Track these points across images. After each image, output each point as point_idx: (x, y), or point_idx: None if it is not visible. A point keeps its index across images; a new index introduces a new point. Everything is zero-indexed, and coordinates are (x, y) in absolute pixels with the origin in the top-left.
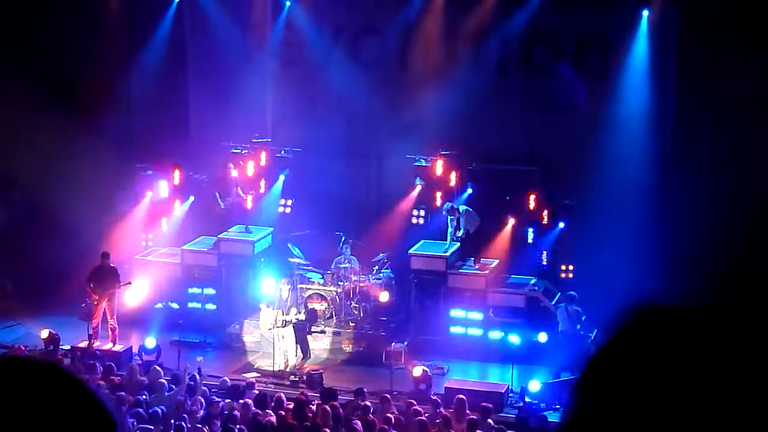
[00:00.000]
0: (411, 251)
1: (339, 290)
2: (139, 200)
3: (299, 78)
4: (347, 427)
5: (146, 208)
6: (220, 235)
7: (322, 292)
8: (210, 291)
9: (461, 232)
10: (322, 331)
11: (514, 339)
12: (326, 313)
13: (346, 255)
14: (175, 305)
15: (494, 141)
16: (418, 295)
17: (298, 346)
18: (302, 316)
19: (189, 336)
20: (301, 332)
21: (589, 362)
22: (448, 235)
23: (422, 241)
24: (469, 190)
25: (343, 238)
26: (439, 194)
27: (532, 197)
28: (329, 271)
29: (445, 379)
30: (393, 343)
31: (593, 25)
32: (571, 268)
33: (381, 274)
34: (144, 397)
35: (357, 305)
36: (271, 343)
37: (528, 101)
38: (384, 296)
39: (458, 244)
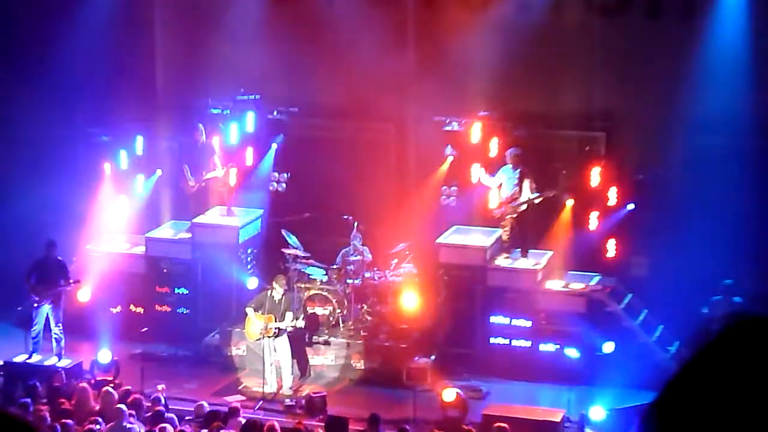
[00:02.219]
0: (440, 240)
1: (347, 290)
2: (93, 174)
3: (295, 18)
4: None
5: (101, 185)
6: (195, 220)
7: (326, 293)
8: (182, 291)
9: (527, 196)
10: (326, 343)
11: (572, 353)
12: (331, 319)
13: (356, 245)
14: (137, 309)
15: (546, 99)
16: (449, 297)
17: (295, 361)
18: (300, 324)
19: (155, 348)
20: (299, 344)
21: (668, 384)
22: (502, 190)
23: (454, 227)
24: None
25: (355, 224)
26: (475, 167)
27: (596, 171)
28: (335, 266)
29: (483, 404)
30: (416, 358)
31: None
32: (644, 261)
33: (401, 270)
34: (98, 427)
35: (370, 309)
36: (260, 357)
37: (591, 48)
38: (404, 298)
39: (528, 202)
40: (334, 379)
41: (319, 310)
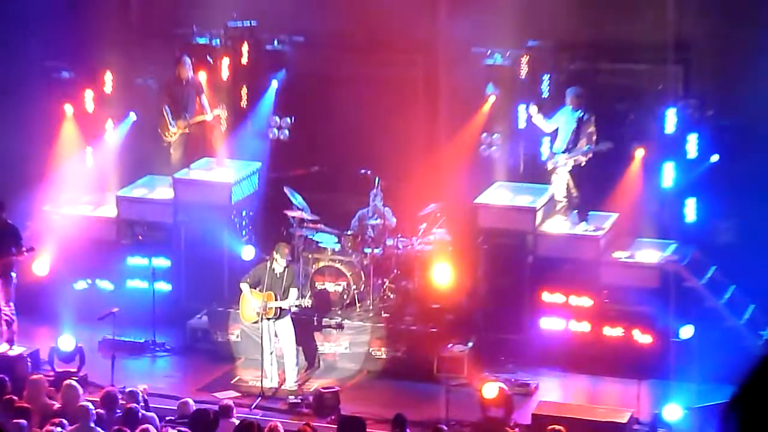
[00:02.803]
0: (479, 200)
1: (365, 262)
2: (51, 120)
3: None
4: None
5: (62, 132)
6: (176, 175)
7: (339, 265)
8: (162, 263)
9: (588, 145)
10: (339, 326)
11: (643, 338)
12: (345, 297)
13: (376, 206)
14: (106, 285)
15: (611, 25)
16: (490, 270)
17: (301, 349)
18: (307, 303)
19: (129, 333)
20: (306, 328)
21: (754, 376)
22: (558, 140)
23: (497, 184)
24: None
25: (375, 181)
26: (523, 109)
27: (671, 115)
28: (350, 232)
29: (532, 401)
30: (450, 345)
31: None
32: (730, 226)
33: (432, 237)
34: (59, 430)
35: (393, 285)
36: (258, 344)
37: None
38: (435, 271)
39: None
40: (349, 371)
41: (331, 286)
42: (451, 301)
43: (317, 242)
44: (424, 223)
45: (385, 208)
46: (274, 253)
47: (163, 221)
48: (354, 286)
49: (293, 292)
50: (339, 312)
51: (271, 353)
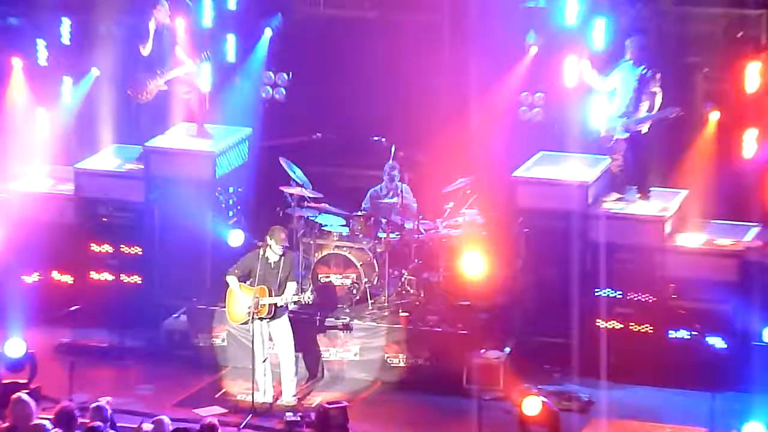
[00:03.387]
0: (518, 174)
1: (379, 249)
2: None
3: None
4: None
5: (8, 91)
6: (149, 143)
7: (347, 253)
8: (131, 250)
9: (652, 108)
10: (347, 328)
11: (717, 342)
12: (354, 292)
13: (392, 180)
14: (64, 278)
15: None
16: (531, 259)
17: (300, 355)
18: (308, 298)
19: (91, 336)
20: (307, 330)
21: None
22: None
23: (540, 154)
24: None
25: (391, 150)
26: (572, 63)
27: (753, 69)
28: (360, 212)
29: (584, 419)
30: (483, 351)
31: None
32: None
33: (460, 219)
34: None
35: (414, 278)
36: (248, 349)
37: None
38: (465, 261)
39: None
40: (360, 383)
41: (337, 279)
42: (484, 297)
43: (320, 225)
44: (451, 202)
45: (403, 184)
46: (268, 238)
47: (132, 200)
48: (365, 279)
49: (291, 286)
50: (347, 310)
51: (265, 361)
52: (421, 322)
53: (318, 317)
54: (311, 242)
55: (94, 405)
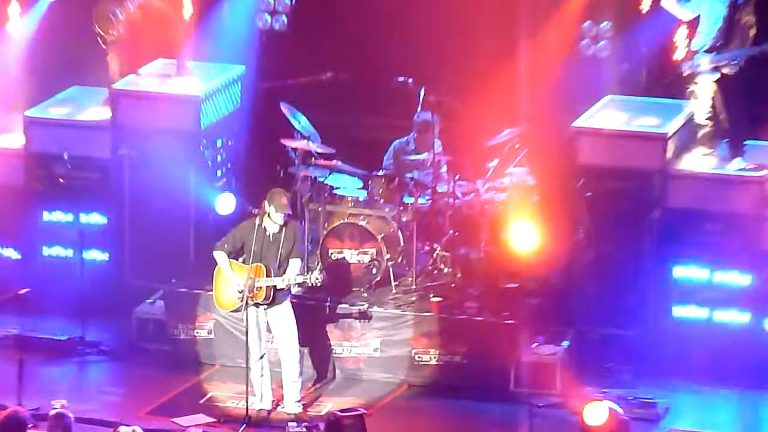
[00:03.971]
0: (579, 124)
1: (405, 218)
2: None
3: None
4: None
5: None
6: (117, 85)
7: (365, 223)
8: (95, 220)
9: (745, 41)
10: (365, 316)
11: None
12: (374, 272)
13: (422, 132)
14: (11, 253)
15: None
16: (595, 230)
17: (307, 351)
18: (315, 280)
19: (45, 327)
20: (314, 319)
21: None
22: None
23: (607, 98)
24: None
25: (420, 93)
26: None
27: None
28: (381, 172)
29: (659, 429)
30: (535, 345)
31: None
32: None
33: (506, 180)
34: None
35: (448, 254)
36: (241, 343)
37: None
38: (512, 232)
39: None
40: (381, 385)
41: (352, 256)
42: (535, 277)
43: (331, 188)
44: (495, 159)
45: (436, 139)
46: (266, 204)
47: (95, 156)
48: (387, 255)
49: (294, 263)
50: (365, 294)
51: (261, 357)
52: (457, 310)
53: (328, 303)
54: (320, 209)
55: (54, 412)
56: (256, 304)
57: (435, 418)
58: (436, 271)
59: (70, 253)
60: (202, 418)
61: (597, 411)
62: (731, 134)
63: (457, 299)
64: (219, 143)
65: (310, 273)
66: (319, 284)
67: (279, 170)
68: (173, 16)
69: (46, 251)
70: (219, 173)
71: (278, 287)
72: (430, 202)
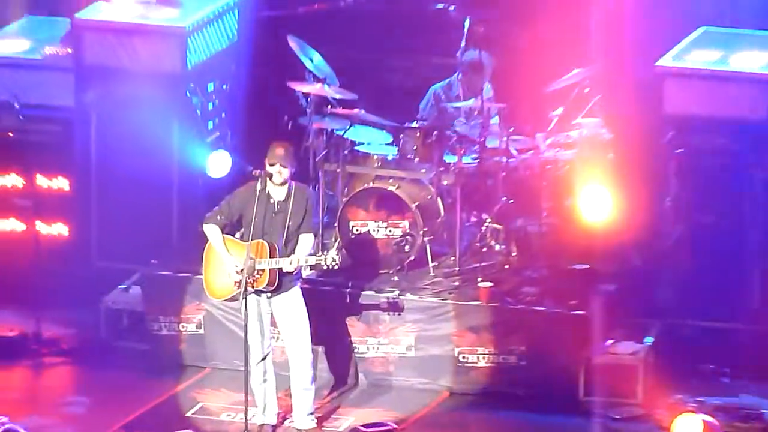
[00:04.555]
0: (664, 62)
1: (447, 181)
2: None
3: None
4: None
5: None
6: (81, 14)
7: (395, 188)
8: (54, 183)
9: None
10: (395, 307)
11: None
12: (406, 249)
13: (467, 73)
14: None
15: None
16: (688, 198)
17: (322, 350)
18: (332, 260)
19: None
20: (331, 310)
21: None
22: None
23: (700, 30)
24: None
25: (465, 24)
26: None
27: None
28: (416, 124)
29: None
30: (610, 342)
31: None
32: None
33: (574, 134)
34: None
35: (501, 226)
36: (239, 340)
37: None
38: (582, 198)
39: None
40: (416, 394)
41: (379, 229)
42: (611, 256)
43: (353, 143)
44: (559, 108)
45: (482, 79)
46: (269, 164)
47: (54, 104)
48: (423, 229)
49: (306, 240)
50: (395, 278)
51: (264, 359)
52: (512, 297)
53: (349, 290)
54: (338, 170)
55: (5, 427)
56: (258, 292)
57: None
58: (485, 249)
59: (22, 226)
60: None
61: (689, 425)
62: None
63: (512, 284)
64: (210, 88)
65: (325, 252)
66: (336, 266)
67: (286, 122)
68: None
69: None
70: (210, 126)
71: (285, 270)
72: (477, 161)
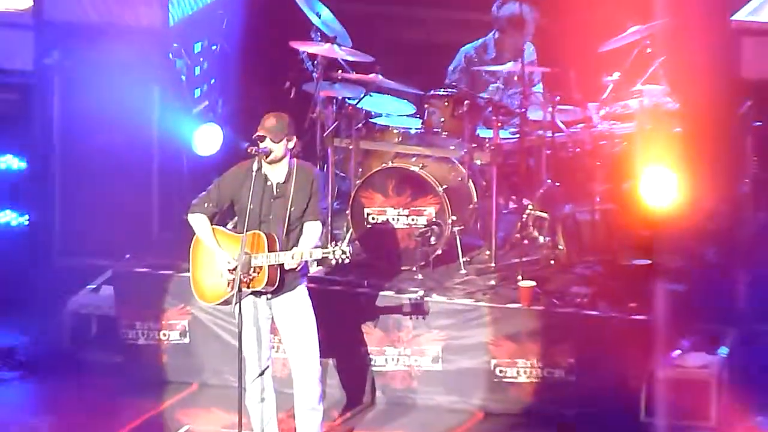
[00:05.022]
0: (740, 17)
1: (481, 160)
2: None
3: None
4: None
5: None
6: None
7: (418, 168)
8: (10, 162)
9: None
10: (418, 310)
11: None
12: (432, 241)
13: (505, 32)
14: None
15: None
16: None
17: (332, 362)
18: (343, 253)
19: None
20: (342, 314)
21: None
22: None
23: None
24: None
25: None
26: None
27: None
28: (443, 91)
29: None
30: (677, 353)
31: None
32: None
33: (633, 103)
34: None
35: (545, 214)
36: (232, 349)
37: None
38: (644, 182)
39: None
40: (444, 415)
41: (399, 217)
42: (678, 251)
43: (368, 114)
44: (615, 73)
45: (527, 38)
46: (266, 138)
47: (10, 68)
48: (453, 217)
49: (312, 229)
50: (419, 276)
51: (263, 373)
52: (558, 300)
53: (364, 290)
54: (351, 147)
55: None
56: (255, 293)
57: None
58: (526, 241)
59: None
60: None
61: None
62: None
63: (558, 283)
64: (197, 48)
65: (335, 244)
66: (348, 261)
67: (288, 88)
68: None
69: None
70: (197, 94)
71: (287, 266)
72: (517, 136)
